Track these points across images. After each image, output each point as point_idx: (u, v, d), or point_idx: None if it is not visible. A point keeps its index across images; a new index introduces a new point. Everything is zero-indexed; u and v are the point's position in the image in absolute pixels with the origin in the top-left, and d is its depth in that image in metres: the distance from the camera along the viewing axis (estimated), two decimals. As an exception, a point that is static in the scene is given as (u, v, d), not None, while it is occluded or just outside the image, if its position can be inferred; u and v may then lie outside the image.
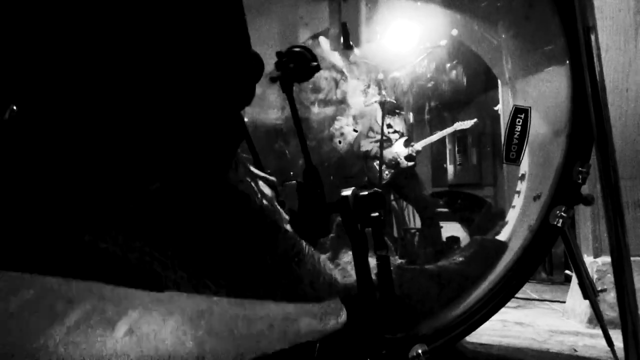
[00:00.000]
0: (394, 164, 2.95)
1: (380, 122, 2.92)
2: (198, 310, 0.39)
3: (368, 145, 2.95)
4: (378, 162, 2.93)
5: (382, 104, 2.88)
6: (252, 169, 0.55)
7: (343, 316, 0.58)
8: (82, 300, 0.35)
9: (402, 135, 2.98)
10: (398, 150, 2.95)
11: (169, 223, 0.40)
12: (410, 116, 3.04)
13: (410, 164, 2.96)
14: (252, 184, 0.52)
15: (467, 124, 2.97)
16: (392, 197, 3.38)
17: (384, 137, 2.93)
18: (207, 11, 0.43)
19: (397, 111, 2.96)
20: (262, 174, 0.57)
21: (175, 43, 0.41)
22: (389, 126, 2.96)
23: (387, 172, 2.96)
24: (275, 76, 0.86)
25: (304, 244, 0.53)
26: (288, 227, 0.55)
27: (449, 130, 3.06)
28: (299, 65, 0.87)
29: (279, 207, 0.55)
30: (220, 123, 0.46)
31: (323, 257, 0.58)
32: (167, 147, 0.43)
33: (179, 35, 0.41)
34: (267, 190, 0.55)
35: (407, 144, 2.97)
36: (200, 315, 0.39)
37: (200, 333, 0.39)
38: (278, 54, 0.86)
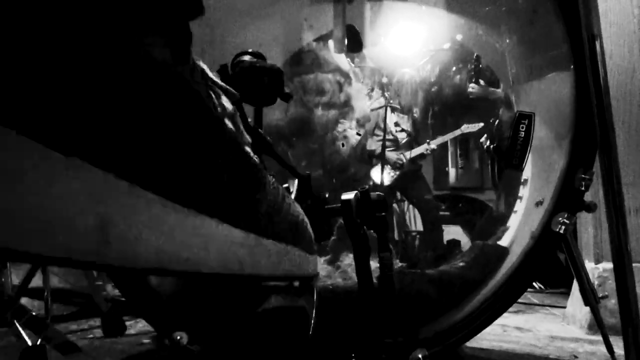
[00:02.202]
0: (399, 165, 2.94)
1: (388, 121, 2.94)
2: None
3: (374, 145, 2.94)
4: (382, 163, 2.93)
5: (386, 108, 2.89)
6: (212, 76, 0.45)
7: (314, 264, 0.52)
8: None
9: (409, 134, 2.98)
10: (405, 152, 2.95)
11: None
12: (417, 115, 3.03)
13: (418, 164, 2.96)
14: (211, 93, 0.44)
15: (474, 127, 2.96)
16: (394, 199, 3.38)
17: (392, 137, 2.94)
18: None
19: (401, 113, 2.96)
20: (224, 84, 0.47)
21: None
22: (397, 124, 2.95)
23: (392, 173, 2.95)
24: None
25: (270, 176, 0.47)
26: (249, 149, 0.45)
27: (456, 132, 3.05)
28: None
29: (241, 127, 0.47)
30: None
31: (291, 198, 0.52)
32: None
33: None
34: (228, 105, 0.46)
35: (413, 145, 2.97)
36: None
37: None
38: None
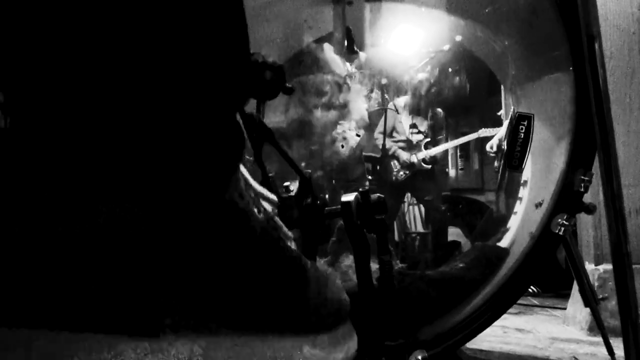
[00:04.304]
0: (408, 164, 2.97)
1: (404, 123, 2.98)
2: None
3: (389, 144, 2.98)
4: (396, 161, 2.98)
5: (385, 110, 2.90)
6: (252, 182, 0.47)
7: (353, 344, 0.51)
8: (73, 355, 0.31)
9: (426, 136, 3.00)
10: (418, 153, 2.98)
11: (162, 254, 0.34)
12: (440, 115, 3.05)
13: (427, 166, 2.98)
14: (255, 198, 0.45)
15: (491, 131, 2.93)
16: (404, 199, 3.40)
17: (406, 138, 2.97)
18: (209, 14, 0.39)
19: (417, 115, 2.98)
20: (262, 190, 0.49)
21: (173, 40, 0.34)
22: (413, 126, 2.98)
23: (402, 172, 2.99)
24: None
25: (308, 262, 0.46)
26: (292, 244, 0.46)
27: (473, 136, 3.04)
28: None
29: (280, 223, 0.48)
30: (220, 129, 0.39)
31: (329, 271, 0.52)
32: (156, 160, 0.35)
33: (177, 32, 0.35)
34: (267, 206, 0.47)
35: (427, 146, 2.99)
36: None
37: None
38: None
